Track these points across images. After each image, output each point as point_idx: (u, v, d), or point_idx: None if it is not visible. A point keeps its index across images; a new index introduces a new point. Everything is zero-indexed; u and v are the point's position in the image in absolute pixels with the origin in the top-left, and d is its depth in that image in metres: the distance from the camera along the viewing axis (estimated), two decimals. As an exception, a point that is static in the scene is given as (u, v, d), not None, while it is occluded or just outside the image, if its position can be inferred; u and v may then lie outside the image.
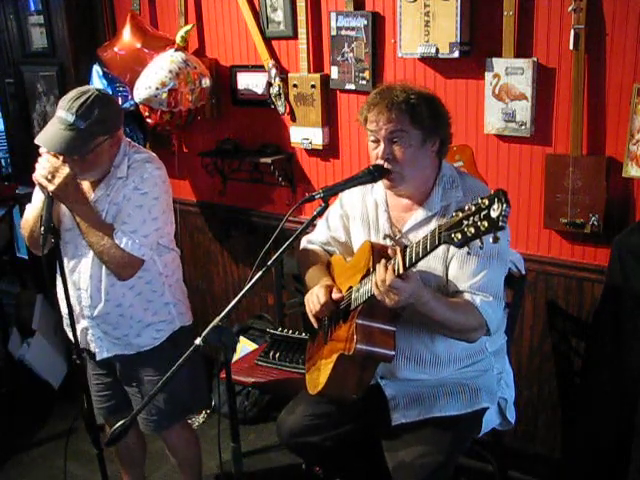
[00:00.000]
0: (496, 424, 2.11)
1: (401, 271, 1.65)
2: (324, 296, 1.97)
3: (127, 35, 3.17)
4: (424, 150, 1.89)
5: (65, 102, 2.03)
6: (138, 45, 3.14)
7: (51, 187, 2.01)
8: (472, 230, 1.46)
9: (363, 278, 1.88)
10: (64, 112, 2.02)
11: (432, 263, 1.90)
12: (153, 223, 2.16)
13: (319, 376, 2.02)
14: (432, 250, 1.59)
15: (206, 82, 3.08)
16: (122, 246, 2.09)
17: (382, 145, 1.87)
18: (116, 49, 3.20)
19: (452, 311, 1.79)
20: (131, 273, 2.15)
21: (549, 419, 2.74)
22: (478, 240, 1.47)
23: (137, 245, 2.11)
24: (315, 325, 2.06)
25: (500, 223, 1.40)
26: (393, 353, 1.84)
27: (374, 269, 1.76)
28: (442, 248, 1.85)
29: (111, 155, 2.13)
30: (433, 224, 1.91)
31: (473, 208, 1.47)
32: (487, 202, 1.43)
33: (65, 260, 2.22)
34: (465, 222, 1.47)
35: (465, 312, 1.81)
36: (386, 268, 1.68)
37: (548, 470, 2.74)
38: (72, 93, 2.05)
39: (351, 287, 1.95)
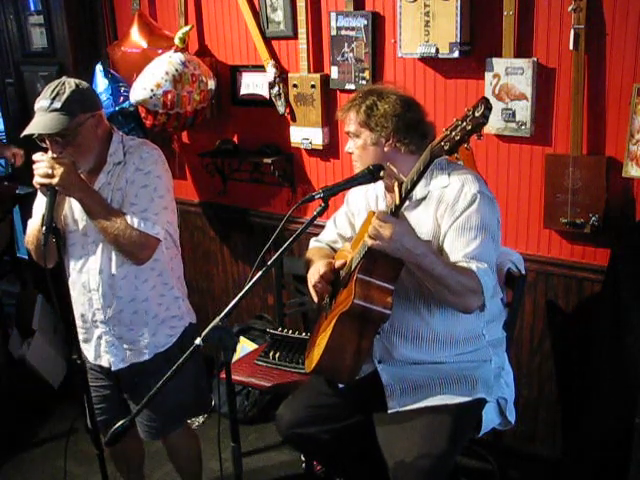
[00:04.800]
0: (496, 424, 2.11)
1: (397, 202, 1.75)
2: (324, 267, 2.06)
3: (135, 34, 3.17)
4: (378, 148, 1.97)
5: (44, 93, 2.07)
6: (145, 45, 3.14)
7: (55, 180, 2.00)
8: (459, 134, 1.60)
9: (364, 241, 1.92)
10: (40, 102, 2.06)
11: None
12: (161, 201, 2.15)
13: (318, 349, 2.02)
14: (425, 169, 1.71)
15: (211, 84, 3.08)
16: (136, 226, 2.08)
17: (349, 141, 2.06)
18: (124, 48, 3.20)
19: (452, 269, 1.82)
20: (148, 255, 2.14)
21: (549, 419, 2.74)
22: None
23: (150, 223, 2.10)
24: (315, 299, 2.10)
25: (482, 120, 1.55)
26: (389, 312, 1.87)
27: None
28: (434, 225, 1.95)
29: (98, 137, 2.13)
30: (421, 208, 1.98)
31: (460, 120, 1.59)
32: (471, 109, 1.57)
33: (72, 262, 2.22)
34: (453, 132, 1.61)
35: (464, 273, 1.83)
36: None
37: (548, 470, 2.74)
38: (46, 87, 2.09)
39: (353, 257, 1.99)
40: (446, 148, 1.61)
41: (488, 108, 1.53)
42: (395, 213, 1.77)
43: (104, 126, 2.16)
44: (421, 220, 1.96)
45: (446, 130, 1.63)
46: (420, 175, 1.71)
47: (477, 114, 1.55)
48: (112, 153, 2.16)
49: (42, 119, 2.03)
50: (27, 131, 2.04)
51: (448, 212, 1.92)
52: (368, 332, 1.95)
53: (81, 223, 2.18)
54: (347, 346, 1.95)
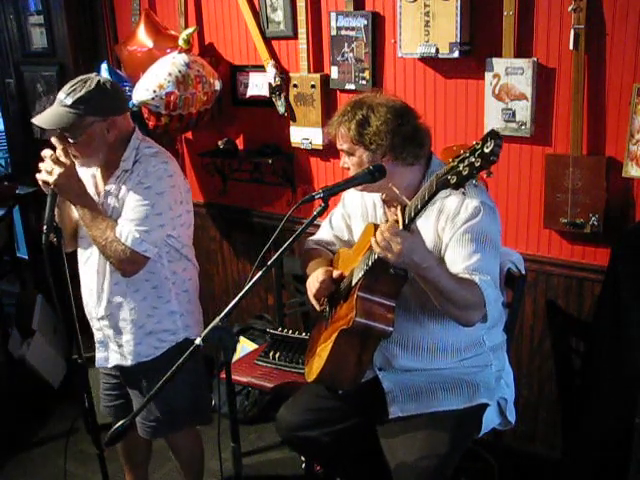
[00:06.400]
0: (496, 424, 2.11)
1: (400, 227, 1.67)
2: (323, 275, 2.03)
3: (141, 34, 3.17)
4: (374, 162, 1.89)
5: (65, 87, 2.08)
6: (151, 44, 3.14)
7: (52, 178, 2.00)
8: (467, 169, 1.49)
9: (364, 255, 1.89)
10: (59, 93, 2.08)
11: None
12: (157, 218, 2.09)
13: (318, 360, 2.01)
14: (430, 199, 1.62)
15: (217, 85, 3.08)
16: (123, 240, 2.05)
17: (343, 155, 1.98)
18: (131, 48, 3.18)
19: (457, 283, 1.77)
20: (134, 270, 2.10)
21: (549, 419, 2.74)
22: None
23: (139, 240, 2.05)
24: (317, 307, 2.08)
25: (492, 157, 1.44)
26: (391, 329, 1.85)
27: None
28: (434, 236, 1.91)
29: (107, 142, 2.10)
30: (422, 219, 1.91)
31: (467, 152, 1.50)
32: (480, 143, 1.46)
33: (80, 255, 2.25)
34: (461, 165, 1.51)
35: (468, 286, 1.79)
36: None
37: (548, 470, 2.74)
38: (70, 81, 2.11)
39: (353, 269, 1.96)
40: (452, 182, 1.53)
41: (498, 145, 1.43)
42: (406, 228, 1.69)
43: (119, 131, 2.12)
44: (422, 231, 1.88)
45: (453, 161, 1.54)
46: (424, 204, 1.63)
47: (486, 150, 1.44)
48: (125, 159, 2.13)
49: (51, 112, 2.06)
50: (35, 120, 2.08)
51: (449, 224, 1.89)
52: (369, 347, 1.95)
53: None
54: (348, 360, 1.95)
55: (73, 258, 2.29)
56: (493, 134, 1.44)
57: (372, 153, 1.90)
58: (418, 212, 1.65)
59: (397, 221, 1.68)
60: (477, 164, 1.46)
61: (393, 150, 1.89)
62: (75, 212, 2.22)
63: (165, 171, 2.12)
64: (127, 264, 2.08)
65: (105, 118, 2.07)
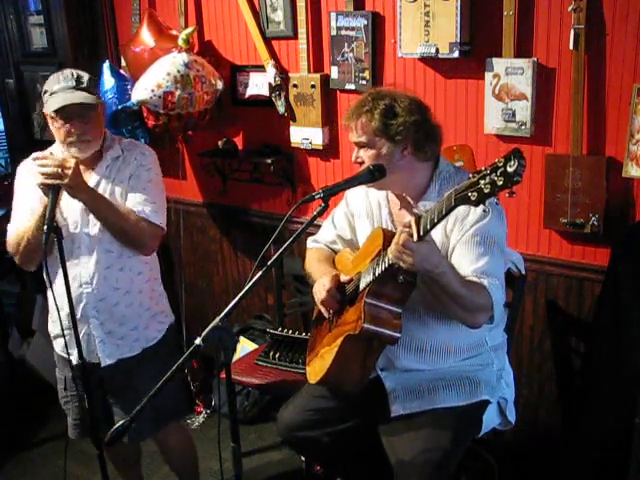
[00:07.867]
0: (496, 424, 2.12)
1: (415, 239, 1.64)
2: (330, 282, 2.01)
3: (145, 34, 3.17)
4: (393, 155, 1.89)
5: (59, 79, 2.12)
6: (153, 44, 3.14)
7: (66, 180, 2.00)
8: (488, 187, 1.46)
9: (373, 260, 1.88)
10: (64, 82, 2.11)
11: None
12: (163, 196, 2.28)
13: (322, 363, 2.01)
14: (447, 213, 1.58)
15: (219, 84, 3.08)
16: (147, 217, 2.17)
17: (355, 150, 1.95)
18: (134, 48, 3.18)
19: (466, 287, 1.77)
20: (156, 245, 2.25)
21: (549, 419, 2.74)
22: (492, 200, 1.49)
23: (160, 216, 2.21)
24: (325, 314, 2.07)
25: (515, 177, 1.41)
26: (399, 335, 1.84)
27: (384, 249, 1.78)
28: (442, 237, 1.91)
29: (103, 125, 2.20)
30: None
31: (489, 169, 1.47)
32: (503, 160, 1.44)
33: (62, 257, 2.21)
34: (482, 182, 1.47)
35: (477, 290, 1.79)
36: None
37: (548, 470, 2.74)
38: (55, 76, 2.14)
39: (360, 272, 1.95)
40: (473, 199, 1.49)
41: (522, 165, 1.40)
42: (420, 239, 1.66)
43: (104, 117, 2.25)
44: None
45: (473, 176, 1.51)
46: (441, 218, 1.60)
47: (509, 169, 1.41)
48: (108, 148, 2.22)
49: (71, 95, 2.07)
50: (59, 104, 2.05)
51: (458, 225, 1.88)
52: (374, 351, 1.95)
53: (71, 217, 2.17)
54: (352, 364, 1.95)
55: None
56: (517, 154, 1.42)
57: (394, 145, 1.87)
58: (434, 225, 1.63)
59: (410, 231, 1.65)
60: (499, 183, 1.44)
61: (416, 143, 1.88)
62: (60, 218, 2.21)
63: (155, 156, 2.30)
64: (152, 239, 2.22)
65: (103, 103, 2.21)
